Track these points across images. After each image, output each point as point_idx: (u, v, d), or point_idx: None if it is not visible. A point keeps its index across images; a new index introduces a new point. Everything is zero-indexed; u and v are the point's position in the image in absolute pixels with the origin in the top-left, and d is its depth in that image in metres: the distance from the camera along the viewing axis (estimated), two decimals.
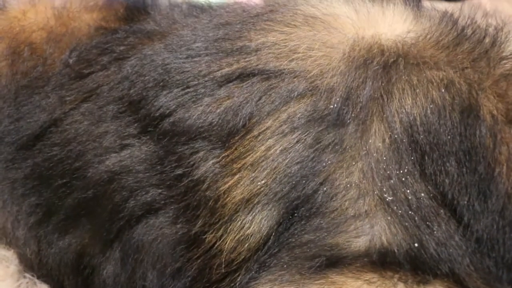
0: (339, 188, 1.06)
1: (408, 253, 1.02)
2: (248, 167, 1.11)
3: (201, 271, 1.17)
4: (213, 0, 1.51)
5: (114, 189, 1.24)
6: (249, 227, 1.11)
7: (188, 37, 1.29)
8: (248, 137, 1.13)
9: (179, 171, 1.17)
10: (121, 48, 1.35)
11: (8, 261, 1.43)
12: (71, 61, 1.38)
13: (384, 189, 1.04)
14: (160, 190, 1.20)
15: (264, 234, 1.10)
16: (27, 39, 1.43)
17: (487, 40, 1.14)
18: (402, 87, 1.08)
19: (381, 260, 1.03)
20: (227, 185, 1.12)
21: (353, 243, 1.05)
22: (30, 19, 1.45)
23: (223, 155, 1.14)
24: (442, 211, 1.04)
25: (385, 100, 1.08)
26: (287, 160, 1.09)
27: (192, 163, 1.16)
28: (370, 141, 1.07)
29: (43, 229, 1.34)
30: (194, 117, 1.18)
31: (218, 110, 1.16)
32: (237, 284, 1.13)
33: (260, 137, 1.12)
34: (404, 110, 1.07)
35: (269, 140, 1.11)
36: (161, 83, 1.24)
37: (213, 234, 1.13)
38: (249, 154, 1.12)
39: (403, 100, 1.08)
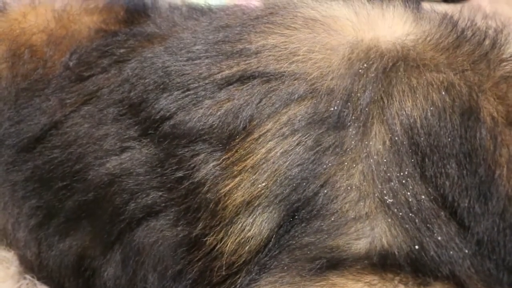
0: (340, 191, 1.06)
1: (408, 255, 1.02)
2: (249, 169, 1.11)
3: (202, 274, 1.17)
4: (213, 2, 1.51)
5: (115, 191, 1.24)
6: (250, 230, 1.11)
7: (188, 39, 1.29)
8: (249, 139, 1.13)
9: (179, 174, 1.17)
10: (122, 50, 1.35)
11: (9, 262, 1.43)
12: (71, 63, 1.38)
13: (385, 191, 1.04)
14: (160, 193, 1.20)
15: (265, 236, 1.10)
16: (27, 42, 1.43)
17: (487, 42, 1.14)
18: (402, 90, 1.08)
19: (381, 262, 1.03)
20: (227, 188, 1.12)
21: (354, 245, 1.05)
22: (31, 21, 1.45)
23: (224, 157, 1.14)
24: (442, 213, 1.04)
25: (385, 102, 1.08)
26: (288, 162, 1.09)
27: (192, 165, 1.16)
28: (370, 143, 1.07)
29: (43, 231, 1.34)
30: (194, 119, 1.18)
31: (219, 113, 1.16)
32: (238, 286, 1.13)
33: (260, 140, 1.12)
34: (404, 113, 1.07)
35: (269, 142, 1.11)
36: (162, 86, 1.24)
37: (213, 237, 1.13)
38: (250, 157, 1.12)
39: (403, 102, 1.08)
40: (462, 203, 1.04)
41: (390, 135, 1.06)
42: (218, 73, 1.20)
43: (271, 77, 1.15)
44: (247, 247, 1.11)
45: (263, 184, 1.10)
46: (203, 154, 1.16)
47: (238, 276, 1.13)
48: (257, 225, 1.10)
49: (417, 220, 1.03)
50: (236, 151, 1.13)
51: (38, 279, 1.41)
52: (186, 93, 1.20)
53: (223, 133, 1.15)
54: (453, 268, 1.02)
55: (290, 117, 1.11)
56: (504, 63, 1.11)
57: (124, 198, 1.23)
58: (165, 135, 1.21)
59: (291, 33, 1.19)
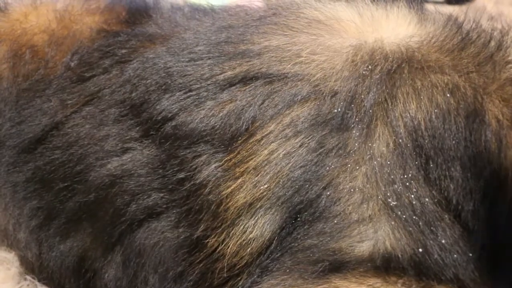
0: (343, 193, 1.06)
1: (412, 259, 1.02)
2: (251, 171, 1.11)
3: (203, 275, 1.16)
4: (216, 3, 1.50)
5: (116, 192, 1.23)
6: (252, 232, 1.10)
7: (190, 40, 1.29)
8: (251, 141, 1.12)
9: (181, 175, 1.17)
10: (123, 51, 1.35)
11: (9, 263, 1.42)
12: (72, 64, 1.37)
13: (388, 194, 1.04)
14: (162, 194, 1.19)
15: (267, 238, 1.10)
16: (28, 42, 1.42)
17: (492, 44, 1.14)
18: (407, 92, 1.08)
19: (384, 265, 1.02)
20: (229, 189, 1.12)
21: (357, 248, 1.04)
22: (32, 21, 1.44)
23: (226, 159, 1.13)
24: (446, 216, 1.03)
25: (389, 104, 1.08)
26: (290, 164, 1.09)
27: (194, 167, 1.16)
28: (374, 145, 1.06)
29: (44, 232, 1.34)
30: (196, 120, 1.17)
31: (221, 114, 1.16)
32: None
33: (263, 141, 1.11)
34: (408, 115, 1.06)
35: (272, 144, 1.11)
36: (163, 87, 1.23)
37: (215, 238, 1.13)
38: (252, 158, 1.11)
39: (407, 104, 1.07)
40: (466, 206, 1.03)
41: (394, 137, 1.06)
42: (221, 74, 1.19)
43: (274, 78, 1.14)
44: (249, 249, 1.10)
45: (266, 186, 1.09)
46: (205, 156, 1.15)
47: (239, 278, 1.13)
48: (259, 227, 1.10)
49: (420, 223, 1.02)
50: (238, 153, 1.13)
51: (39, 280, 1.40)
52: (188, 94, 1.20)
53: (225, 134, 1.14)
54: (457, 272, 1.01)
55: (293, 119, 1.11)
56: (510, 65, 1.11)
57: (125, 199, 1.22)
58: (166, 136, 1.20)
59: (294, 34, 1.19)
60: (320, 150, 1.08)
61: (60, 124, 1.33)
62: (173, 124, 1.19)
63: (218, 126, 1.15)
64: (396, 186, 1.04)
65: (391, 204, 1.04)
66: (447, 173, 1.04)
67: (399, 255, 1.02)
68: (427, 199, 1.03)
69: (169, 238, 1.19)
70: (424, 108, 1.07)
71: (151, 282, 1.22)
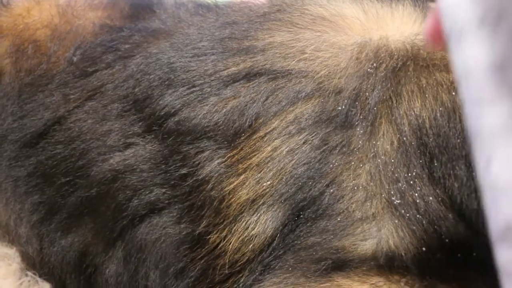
0: (346, 190, 1.05)
1: (415, 257, 1.01)
2: (254, 167, 1.10)
3: (205, 272, 1.16)
4: None
5: (118, 188, 1.23)
6: (254, 228, 1.10)
7: (194, 35, 1.28)
8: (254, 137, 1.12)
9: (183, 171, 1.17)
10: (126, 46, 1.34)
11: (10, 259, 1.42)
12: (75, 59, 1.37)
13: (392, 192, 1.03)
14: (164, 190, 1.19)
15: (269, 235, 1.10)
16: (31, 37, 1.42)
17: None
18: (411, 90, 1.07)
19: (388, 264, 1.02)
20: (232, 186, 1.11)
21: (360, 246, 1.04)
22: (34, 16, 1.44)
23: (229, 155, 1.13)
24: (450, 215, 1.03)
25: (394, 102, 1.07)
26: (294, 161, 1.09)
27: (197, 162, 1.15)
28: (378, 143, 1.06)
29: (45, 227, 1.34)
30: (199, 116, 1.17)
31: (224, 110, 1.16)
32: (241, 285, 1.13)
33: (266, 138, 1.11)
34: (413, 113, 1.06)
35: (275, 140, 1.10)
36: (167, 82, 1.23)
37: (217, 235, 1.13)
38: (255, 155, 1.11)
39: (412, 102, 1.07)
40: (470, 205, 1.03)
41: (398, 135, 1.05)
42: (224, 70, 1.19)
43: (278, 74, 1.14)
44: (251, 245, 1.10)
45: (268, 182, 1.09)
46: (207, 151, 1.15)
47: (241, 275, 1.13)
48: (261, 224, 1.10)
49: (424, 222, 1.02)
50: (242, 149, 1.12)
51: (40, 276, 1.40)
52: (192, 89, 1.20)
53: (228, 130, 1.14)
54: (460, 271, 1.01)
55: (297, 116, 1.10)
56: None
57: (127, 194, 1.22)
58: (169, 132, 1.20)
59: (298, 30, 1.18)
60: (324, 148, 1.08)
61: (63, 119, 1.32)
62: (176, 119, 1.19)
63: (221, 122, 1.15)
64: (400, 184, 1.03)
65: (394, 203, 1.03)
66: (451, 171, 1.04)
67: (403, 254, 1.01)
68: (431, 198, 1.03)
69: (170, 234, 1.18)
70: (429, 106, 1.06)
71: (152, 277, 1.22)
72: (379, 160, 1.05)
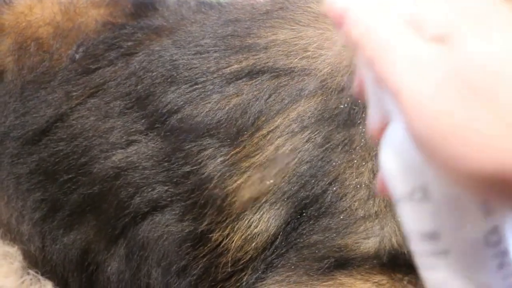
0: (349, 188, 1.05)
1: None
2: (257, 166, 1.10)
3: (207, 270, 1.16)
4: None
5: (120, 185, 1.23)
6: (257, 226, 1.10)
7: (196, 33, 1.28)
8: (257, 135, 1.12)
9: (186, 169, 1.16)
10: (129, 43, 1.34)
11: (12, 257, 1.41)
12: (77, 56, 1.37)
13: None
14: (166, 187, 1.19)
15: (272, 233, 1.09)
16: (33, 34, 1.42)
17: None
18: None
19: (391, 262, 1.01)
20: (235, 184, 1.11)
21: (363, 245, 1.03)
22: (37, 14, 1.44)
23: (232, 153, 1.13)
24: None
25: None
26: (296, 159, 1.08)
27: (199, 160, 1.15)
28: None
29: (47, 224, 1.33)
30: (202, 114, 1.17)
31: (227, 108, 1.15)
32: (243, 283, 1.12)
33: (269, 136, 1.11)
34: None
35: (278, 139, 1.10)
36: (169, 79, 1.23)
37: (219, 233, 1.13)
38: (258, 153, 1.11)
39: None
40: None
41: None
42: (227, 67, 1.19)
43: (281, 72, 1.14)
44: (254, 243, 1.10)
45: (271, 181, 1.09)
46: (210, 149, 1.15)
47: (243, 273, 1.12)
48: (264, 222, 1.09)
49: None
50: (244, 147, 1.12)
51: (42, 274, 1.39)
52: (194, 87, 1.19)
53: (231, 128, 1.14)
54: None
55: (299, 114, 1.10)
56: None
57: (129, 192, 1.22)
58: (172, 129, 1.19)
59: (301, 28, 1.18)
60: (327, 146, 1.07)
61: (65, 116, 1.32)
62: (178, 117, 1.19)
63: (224, 120, 1.15)
64: None
65: None
66: None
67: (406, 252, 1.01)
68: None
69: (173, 232, 1.18)
70: None
71: (154, 275, 1.22)
72: None
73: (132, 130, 1.24)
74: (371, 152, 1.06)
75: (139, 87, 1.26)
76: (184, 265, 1.18)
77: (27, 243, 1.37)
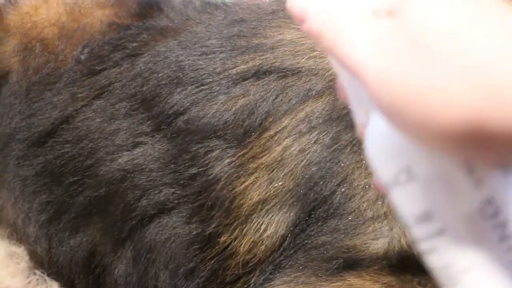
0: (358, 189, 1.05)
1: None
2: (265, 167, 1.10)
3: (215, 272, 1.15)
4: None
5: (127, 187, 1.22)
6: (266, 229, 1.09)
7: (202, 34, 1.28)
8: (265, 136, 1.11)
9: (193, 170, 1.16)
10: (134, 44, 1.34)
11: (19, 257, 1.41)
12: (83, 57, 1.36)
13: None
14: (173, 189, 1.19)
15: (280, 235, 1.09)
16: (38, 35, 1.41)
17: None
18: None
19: (400, 263, 1.01)
20: (242, 186, 1.11)
21: (371, 245, 1.03)
22: (42, 14, 1.43)
23: (239, 154, 1.12)
24: None
25: None
26: (305, 161, 1.08)
27: (206, 162, 1.15)
28: None
29: (54, 227, 1.33)
30: (208, 115, 1.16)
31: (234, 108, 1.15)
32: (251, 285, 1.12)
33: (277, 137, 1.10)
34: None
35: (286, 140, 1.10)
36: (175, 80, 1.22)
37: (228, 235, 1.12)
38: (266, 154, 1.10)
39: None
40: None
41: None
42: (233, 68, 1.18)
43: (288, 72, 1.13)
44: (262, 246, 1.09)
45: (280, 183, 1.08)
46: (217, 151, 1.14)
47: (252, 275, 1.12)
48: (272, 224, 1.09)
49: None
50: (252, 148, 1.11)
51: (48, 275, 1.39)
52: (200, 88, 1.19)
53: (238, 129, 1.13)
54: None
55: (307, 114, 1.09)
56: None
57: (136, 194, 1.21)
58: (178, 131, 1.19)
59: None
60: (335, 147, 1.07)
61: (71, 118, 1.32)
62: (185, 118, 1.18)
63: (230, 121, 1.14)
64: None
65: None
66: None
67: (415, 253, 1.00)
68: None
69: (180, 234, 1.18)
70: None
71: (161, 278, 1.21)
72: None
73: (138, 131, 1.24)
74: None
75: (144, 88, 1.25)
76: (192, 267, 1.18)
77: (33, 244, 1.37)
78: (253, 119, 1.12)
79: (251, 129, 1.12)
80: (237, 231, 1.11)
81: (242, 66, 1.17)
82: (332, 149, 1.07)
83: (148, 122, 1.24)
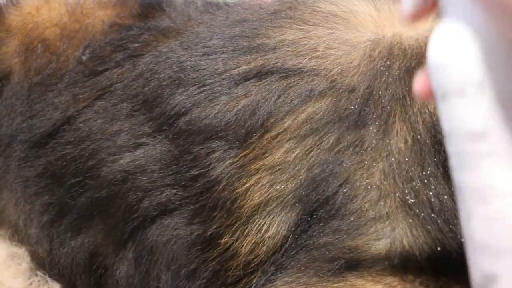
0: (359, 190, 1.04)
1: (430, 257, 1.00)
2: (267, 168, 1.10)
3: (217, 273, 1.15)
4: None
5: (128, 188, 1.22)
6: (268, 230, 1.09)
7: (204, 34, 1.27)
8: (267, 137, 1.11)
9: (195, 171, 1.16)
10: (136, 45, 1.34)
11: (20, 258, 1.42)
12: (84, 58, 1.37)
13: (406, 191, 1.02)
14: (175, 191, 1.18)
15: (282, 236, 1.09)
16: (40, 36, 1.42)
17: None
18: None
19: (402, 264, 1.01)
20: (244, 187, 1.10)
21: (373, 246, 1.03)
22: (44, 15, 1.44)
23: (241, 155, 1.12)
24: None
25: (408, 100, 1.06)
26: (307, 162, 1.08)
27: (208, 163, 1.14)
28: (391, 142, 1.04)
29: (55, 228, 1.33)
30: (210, 116, 1.16)
31: (235, 109, 1.14)
32: (253, 286, 1.12)
33: (278, 138, 1.10)
34: (427, 110, 1.05)
35: (288, 141, 1.09)
36: (177, 81, 1.22)
37: (229, 236, 1.12)
38: (268, 155, 1.10)
39: None
40: None
41: (412, 134, 1.04)
42: (235, 68, 1.18)
43: (290, 73, 1.13)
44: (264, 247, 1.09)
45: (281, 184, 1.08)
46: (219, 152, 1.14)
47: (253, 276, 1.12)
48: (274, 225, 1.09)
49: (439, 221, 1.01)
50: (253, 149, 1.11)
51: (50, 276, 1.39)
52: (202, 88, 1.19)
53: (239, 130, 1.13)
54: None
55: (309, 115, 1.09)
56: None
57: (137, 195, 1.21)
58: (180, 132, 1.19)
59: (310, 28, 1.17)
60: (337, 148, 1.07)
61: (72, 119, 1.32)
62: (186, 119, 1.18)
63: (232, 121, 1.14)
64: (414, 183, 1.02)
65: (409, 202, 1.02)
66: None
67: (417, 254, 1.00)
68: (446, 197, 1.02)
69: (182, 235, 1.18)
70: None
71: (163, 279, 1.21)
72: (392, 159, 1.04)
73: (140, 132, 1.24)
74: (382, 153, 1.05)
75: (146, 89, 1.25)
76: (193, 268, 1.17)
77: (35, 245, 1.38)
78: (255, 119, 1.12)
79: (252, 130, 1.12)
80: (238, 232, 1.11)
81: (244, 67, 1.17)
82: (335, 150, 1.07)
83: (150, 123, 1.24)
